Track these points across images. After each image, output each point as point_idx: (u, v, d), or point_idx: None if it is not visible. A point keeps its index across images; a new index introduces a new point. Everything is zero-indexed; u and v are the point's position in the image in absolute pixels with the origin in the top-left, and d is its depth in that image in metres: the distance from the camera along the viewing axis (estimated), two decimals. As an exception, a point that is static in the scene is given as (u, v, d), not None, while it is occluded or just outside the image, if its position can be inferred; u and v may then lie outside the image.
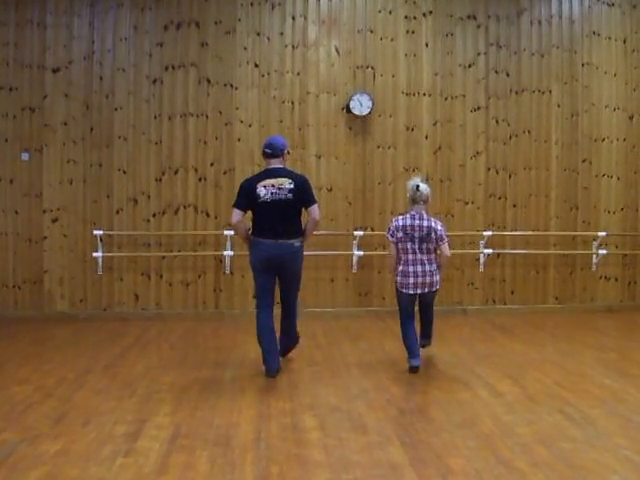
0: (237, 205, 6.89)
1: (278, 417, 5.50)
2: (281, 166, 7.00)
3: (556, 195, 10.95)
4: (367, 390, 6.39)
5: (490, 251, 10.65)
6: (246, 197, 6.86)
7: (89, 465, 4.46)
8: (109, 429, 5.18)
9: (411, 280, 7.06)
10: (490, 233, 10.60)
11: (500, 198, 10.82)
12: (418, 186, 7.08)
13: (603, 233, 10.90)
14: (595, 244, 10.95)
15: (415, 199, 7.11)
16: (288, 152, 7.27)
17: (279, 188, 6.79)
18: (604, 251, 10.95)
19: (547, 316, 10.58)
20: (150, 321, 9.95)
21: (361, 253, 10.31)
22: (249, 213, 7.02)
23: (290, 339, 7.44)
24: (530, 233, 10.84)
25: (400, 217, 7.18)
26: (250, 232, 7.01)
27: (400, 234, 7.05)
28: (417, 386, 6.56)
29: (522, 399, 6.08)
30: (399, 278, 7.16)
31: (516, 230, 10.84)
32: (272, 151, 6.95)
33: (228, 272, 10.22)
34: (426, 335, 7.64)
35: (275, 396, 6.14)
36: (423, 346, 7.58)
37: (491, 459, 4.55)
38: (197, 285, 10.32)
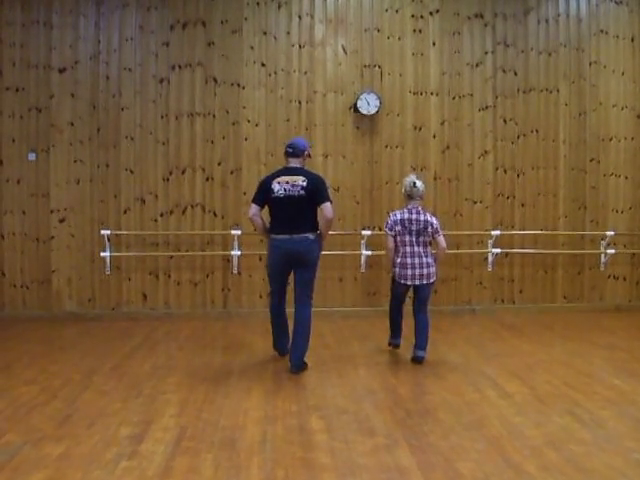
0: (254, 200, 7.25)
1: (284, 419, 5.47)
2: (299, 166, 7.23)
3: (564, 194, 10.91)
4: (374, 391, 6.37)
5: (498, 250, 10.61)
6: (262, 192, 7.18)
7: (92, 468, 4.41)
8: (114, 431, 5.15)
9: (409, 272, 7.41)
10: (498, 232, 10.56)
11: (508, 197, 10.78)
12: (415, 183, 7.50)
13: (611, 232, 10.85)
14: (603, 243, 10.91)
15: (412, 195, 7.52)
16: (309, 155, 7.49)
17: (292, 185, 7.01)
18: (612, 250, 10.90)
19: (556, 315, 10.55)
20: (158, 321, 9.95)
21: (369, 253, 10.27)
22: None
23: (305, 341, 7.16)
24: (538, 232, 10.80)
25: (397, 211, 7.61)
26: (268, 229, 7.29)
27: (398, 227, 7.43)
28: (425, 387, 6.54)
29: (531, 400, 6.04)
30: (397, 269, 7.51)
31: (524, 229, 10.79)
32: (293, 150, 7.24)
33: (236, 272, 10.21)
34: (421, 345, 7.46)
35: (282, 397, 6.11)
36: (419, 360, 7.42)
37: (500, 462, 4.51)
38: (205, 285, 10.31)
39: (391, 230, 7.46)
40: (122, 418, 5.47)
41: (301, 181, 7.00)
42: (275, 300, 7.42)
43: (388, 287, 10.20)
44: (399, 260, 7.46)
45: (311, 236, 7.06)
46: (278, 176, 7.13)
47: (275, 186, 7.03)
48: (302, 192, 6.98)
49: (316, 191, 7.03)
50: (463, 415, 5.60)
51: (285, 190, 7.00)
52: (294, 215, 7.00)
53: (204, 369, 7.15)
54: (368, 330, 9.33)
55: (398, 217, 7.45)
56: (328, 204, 7.04)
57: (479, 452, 4.70)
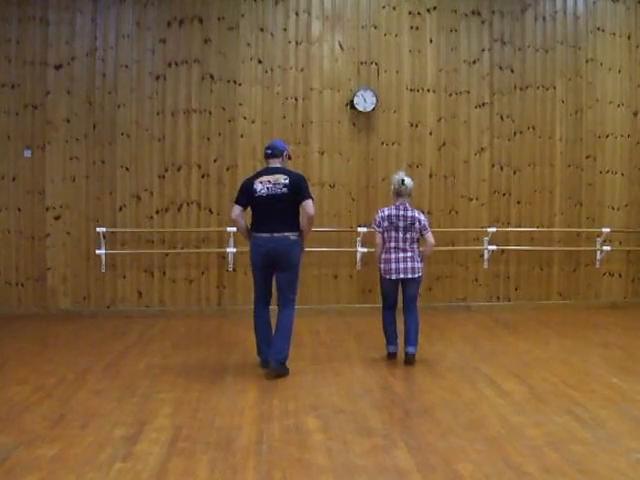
0: (236, 201, 7.22)
1: (281, 418, 5.44)
2: (279, 165, 7.25)
3: (560, 191, 10.91)
4: (372, 390, 6.35)
5: (494, 247, 10.60)
6: (245, 193, 7.16)
7: (85, 471, 4.36)
8: (108, 432, 5.11)
9: (393, 266, 7.41)
10: (494, 229, 10.56)
11: (504, 194, 10.77)
12: (403, 180, 7.49)
13: (607, 229, 10.85)
14: (599, 240, 10.91)
15: (400, 192, 7.52)
16: (289, 157, 7.54)
17: (274, 184, 7.02)
18: (608, 247, 10.91)
19: (551, 312, 10.56)
20: (153, 318, 9.93)
21: (365, 250, 10.23)
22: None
23: (284, 342, 6.97)
24: (534, 229, 10.80)
25: (385, 208, 7.60)
26: (250, 229, 7.26)
27: (386, 223, 7.44)
28: (422, 385, 6.51)
29: (529, 399, 6.02)
30: (382, 265, 7.52)
31: (520, 226, 10.80)
32: (272, 151, 7.27)
33: (231, 269, 10.19)
34: (411, 341, 7.38)
35: (278, 396, 6.08)
36: (410, 356, 7.35)
37: (500, 464, 4.47)
38: (200, 282, 10.28)
39: (379, 227, 7.47)
40: (116, 418, 5.44)
41: (283, 179, 7.03)
42: (260, 307, 7.31)
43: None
44: (384, 256, 7.48)
45: (292, 236, 7.02)
46: (259, 176, 7.15)
47: (257, 186, 7.05)
48: (284, 189, 6.99)
49: (298, 188, 7.05)
50: (461, 414, 5.57)
51: (267, 189, 7.01)
52: (275, 214, 6.99)
53: (199, 368, 7.12)
54: (364, 327, 9.29)
55: (385, 213, 7.45)
56: (310, 201, 7.05)
57: (478, 453, 4.68)
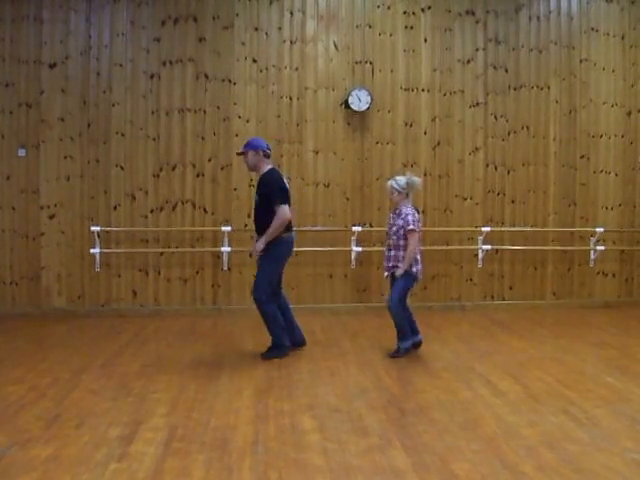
0: (285, 201, 7.21)
1: (276, 418, 5.44)
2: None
3: (554, 191, 10.92)
4: (367, 389, 6.33)
5: (488, 247, 10.62)
6: (287, 192, 7.30)
7: (81, 471, 4.36)
8: (103, 431, 5.10)
9: (420, 267, 7.56)
10: (488, 229, 10.57)
11: (499, 194, 10.78)
12: (415, 180, 7.58)
13: (601, 229, 10.87)
14: (593, 240, 10.92)
15: (411, 192, 7.62)
16: None
17: (287, 183, 7.42)
18: (602, 247, 10.93)
19: (545, 312, 10.57)
20: (148, 317, 9.91)
21: (360, 249, 10.26)
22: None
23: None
24: (528, 229, 10.82)
25: (413, 209, 7.54)
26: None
27: (420, 224, 7.55)
28: (418, 385, 6.50)
29: (525, 398, 6.03)
30: (419, 266, 7.53)
31: (514, 226, 10.81)
32: (270, 151, 7.55)
33: (226, 268, 10.17)
34: (418, 329, 7.93)
35: (273, 396, 6.08)
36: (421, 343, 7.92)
37: (496, 463, 4.48)
38: (195, 281, 10.27)
39: (418, 228, 7.42)
40: (111, 418, 5.42)
41: (287, 179, 7.47)
42: (273, 299, 7.45)
43: (378, 283, 10.32)
44: (418, 257, 7.50)
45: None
46: (281, 175, 7.39)
47: (286, 184, 7.29)
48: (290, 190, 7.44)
49: None
50: (457, 414, 5.58)
51: (289, 189, 7.34)
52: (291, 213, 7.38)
53: (194, 367, 7.10)
54: (359, 327, 9.30)
55: (417, 215, 7.46)
56: None
57: (474, 452, 4.68)
